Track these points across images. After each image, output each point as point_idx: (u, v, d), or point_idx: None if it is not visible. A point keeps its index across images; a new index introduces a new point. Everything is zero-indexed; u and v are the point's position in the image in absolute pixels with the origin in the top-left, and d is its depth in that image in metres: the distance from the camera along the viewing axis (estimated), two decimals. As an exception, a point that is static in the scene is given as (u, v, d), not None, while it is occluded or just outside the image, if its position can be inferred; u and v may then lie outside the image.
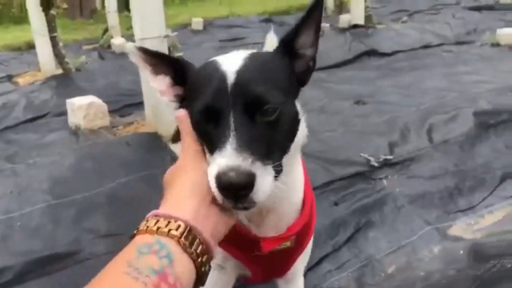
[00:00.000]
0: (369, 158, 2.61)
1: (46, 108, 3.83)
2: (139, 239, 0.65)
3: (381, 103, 3.42)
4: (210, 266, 0.70)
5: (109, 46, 6.24)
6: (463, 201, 2.50)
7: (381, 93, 3.65)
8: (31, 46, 6.47)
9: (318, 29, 0.84)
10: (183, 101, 0.85)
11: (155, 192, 2.36)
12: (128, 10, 2.72)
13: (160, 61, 0.85)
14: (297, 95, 0.86)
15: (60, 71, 4.72)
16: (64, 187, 2.31)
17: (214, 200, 0.72)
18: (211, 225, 0.71)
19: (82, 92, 3.87)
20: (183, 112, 0.80)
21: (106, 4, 6.57)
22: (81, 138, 2.80)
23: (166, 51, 2.71)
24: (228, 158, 0.68)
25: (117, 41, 6.10)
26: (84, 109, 2.90)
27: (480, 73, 4.02)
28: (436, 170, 2.64)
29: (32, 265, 1.82)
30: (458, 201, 2.49)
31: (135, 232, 0.67)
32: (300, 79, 0.86)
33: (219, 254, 0.97)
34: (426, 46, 5.44)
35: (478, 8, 7.27)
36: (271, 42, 0.98)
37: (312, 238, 1.08)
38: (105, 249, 1.93)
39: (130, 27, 6.83)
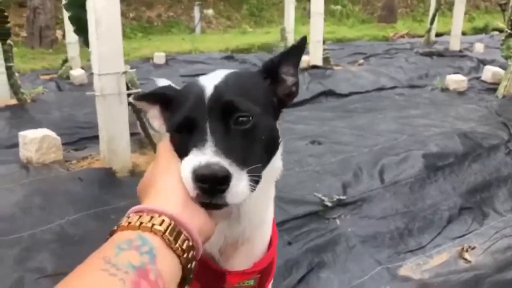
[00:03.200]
0: (323, 198, 2.66)
1: (-4, 140, 3.72)
2: (119, 236, 0.62)
3: (336, 143, 3.51)
4: (195, 265, 0.67)
5: (67, 77, 6.15)
6: (412, 241, 2.58)
7: (336, 134, 3.75)
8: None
9: (298, 62, 0.93)
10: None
11: (106, 230, 2.31)
12: (87, 45, 2.72)
13: (152, 97, 0.92)
14: (278, 116, 0.92)
15: (14, 101, 4.61)
16: (9, 223, 2.22)
17: None
18: (198, 222, 0.68)
19: (36, 123, 3.79)
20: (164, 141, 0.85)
21: (66, 34, 6.51)
22: (32, 173, 2.72)
23: (124, 87, 2.71)
24: (209, 155, 0.71)
25: (76, 73, 6.03)
26: (37, 142, 2.82)
27: (430, 117, 4.22)
28: (387, 210, 2.72)
29: (-31, 307, 1.73)
30: (408, 241, 2.57)
31: (115, 228, 0.64)
32: (282, 101, 0.92)
33: None
34: (380, 89, 5.67)
35: (430, 54, 7.65)
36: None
37: (272, 281, 1.09)
38: (50, 290, 1.86)
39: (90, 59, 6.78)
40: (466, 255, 2.48)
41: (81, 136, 3.81)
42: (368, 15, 15.99)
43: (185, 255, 0.63)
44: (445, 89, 5.41)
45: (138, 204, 0.70)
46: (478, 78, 5.94)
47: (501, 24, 6.55)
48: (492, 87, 5.35)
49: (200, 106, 0.79)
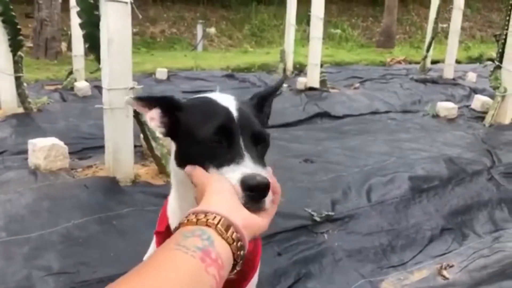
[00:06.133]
0: (313, 213, 2.82)
1: (4, 146, 3.88)
2: (183, 229, 0.78)
3: (328, 162, 3.69)
4: (243, 253, 0.81)
5: (71, 88, 6.34)
6: (395, 258, 2.73)
7: (329, 154, 3.93)
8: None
9: (273, 97, 1.14)
10: (171, 128, 1.02)
11: (109, 234, 2.47)
12: (99, 62, 2.91)
13: (153, 102, 1.03)
14: None
15: (21, 110, 4.78)
16: (19, 224, 2.37)
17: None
18: (242, 219, 0.83)
19: (41, 132, 3.96)
20: (190, 168, 0.96)
21: (73, 47, 6.71)
22: (40, 178, 2.88)
23: (131, 102, 2.89)
24: (251, 168, 0.88)
25: (80, 85, 6.21)
26: (45, 150, 2.99)
27: (419, 141, 4.40)
28: (373, 227, 2.87)
29: (-18, 298, 1.87)
30: (390, 257, 2.72)
31: (177, 225, 0.80)
32: None
33: None
34: (374, 112, 5.87)
35: (424, 81, 7.87)
36: None
37: (257, 274, 1.21)
38: (56, 287, 2.01)
39: (94, 71, 6.99)
40: (445, 272, 2.63)
41: (84, 146, 3.97)
42: (367, 40, 16.35)
43: (234, 243, 0.78)
44: (435, 116, 5.61)
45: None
46: (468, 106, 6.16)
47: (494, 55, 6.80)
48: (480, 116, 5.56)
49: (232, 122, 0.95)
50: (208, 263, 0.72)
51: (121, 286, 0.65)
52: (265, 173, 0.90)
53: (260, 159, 0.94)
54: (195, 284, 0.68)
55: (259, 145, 0.97)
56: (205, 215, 0.79)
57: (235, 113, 0.97)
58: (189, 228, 0.78)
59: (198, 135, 0.95)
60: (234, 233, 0.79)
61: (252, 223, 0.85)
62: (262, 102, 1.10)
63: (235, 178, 0.88)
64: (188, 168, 0.96)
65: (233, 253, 0.78)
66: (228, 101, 1.01)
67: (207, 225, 0.78)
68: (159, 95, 1.04)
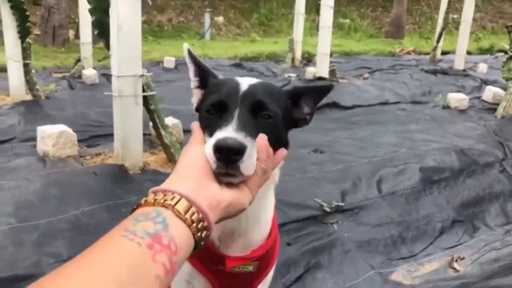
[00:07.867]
0: (322, 203, 2.79)
1: (12, 133, 3.87)
2: (137, 211, 0.73)
3: (337, 153, 3.66)
4: (207, 234, 0.76)
5: (79, 76, 6.32)
6: (405, 249, 2.71)
7: (338, 144, 3.90)
8: (-2, 69, 6.47)
9: (319, 100, 1.07)
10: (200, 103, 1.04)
11: (117, 221, 2.45)
12: (108, 48, 2.88)
13: (198, 65, 1.06)
14: (289, 129, 1.06)
15: (29, 97, 4.77)
16: (28, 211, 2.37)
17: (214, 178, 0.83)
18: (208, 198, 0.78)
19: (50, 119, 3.94)
20: (195, 125, 0.97)
21: (80, 35, 6.68)
22: (48, 165, 2.87)
23: (140, 89, 2.87)
24: (229, 132, 0.84)
25: (88, 72, 6.19)
26: (54, 137, 2.98)
27: (430, 132, 4.36)
28: (383, 219, 2.85)
29: (-8, 284, 1.87)
30: (401, 249, 2.70)
31: (134, 207, 0.75)
32: (294, 123, 1.06)
33: (188, 270, 1.09)
34: (383, 103, 5.81)
35: (434, 72, 7.78)
36: None
37: (273, 269, 1.21)
38: (65, 274, 2.00)
39: (102, 59, 6.95)
40: (455, 265, 2.61)
41: (92, 134, 3.95)
42: (376, 30, 16.20)
43: (194, 225, 0.73)
44: (446, 107, 5.55)
45: None
46: (479, 98, 6.09)
47: (506, 45, 6.72)
48: (492, 107, 5.50)
49: (234, 96, 0.93)
50: (156, 249, 0.66)
51: (53, 278, 0.61)
52: (244, 139, 0.84)
53: (252, 128, 0.89)
54: (135, 274, 0.63)
55: (260, 117, 0.93)
56: (164, 195, 0.75)
57: (243, 87, 0.96)
58: (144, 210, 0.73)
59: (201, 106, 0.99)
60: (195, 214, 0.74)
61: (221, 202, 0.80)
62: (298, 95, 1.05)
63: (211, 142, 0.85)
64: (194, 125, 0.97)
65: (194, 235, 0.73)
66: (247, 80, 1.00)
67: (163, 206, 0.73)
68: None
